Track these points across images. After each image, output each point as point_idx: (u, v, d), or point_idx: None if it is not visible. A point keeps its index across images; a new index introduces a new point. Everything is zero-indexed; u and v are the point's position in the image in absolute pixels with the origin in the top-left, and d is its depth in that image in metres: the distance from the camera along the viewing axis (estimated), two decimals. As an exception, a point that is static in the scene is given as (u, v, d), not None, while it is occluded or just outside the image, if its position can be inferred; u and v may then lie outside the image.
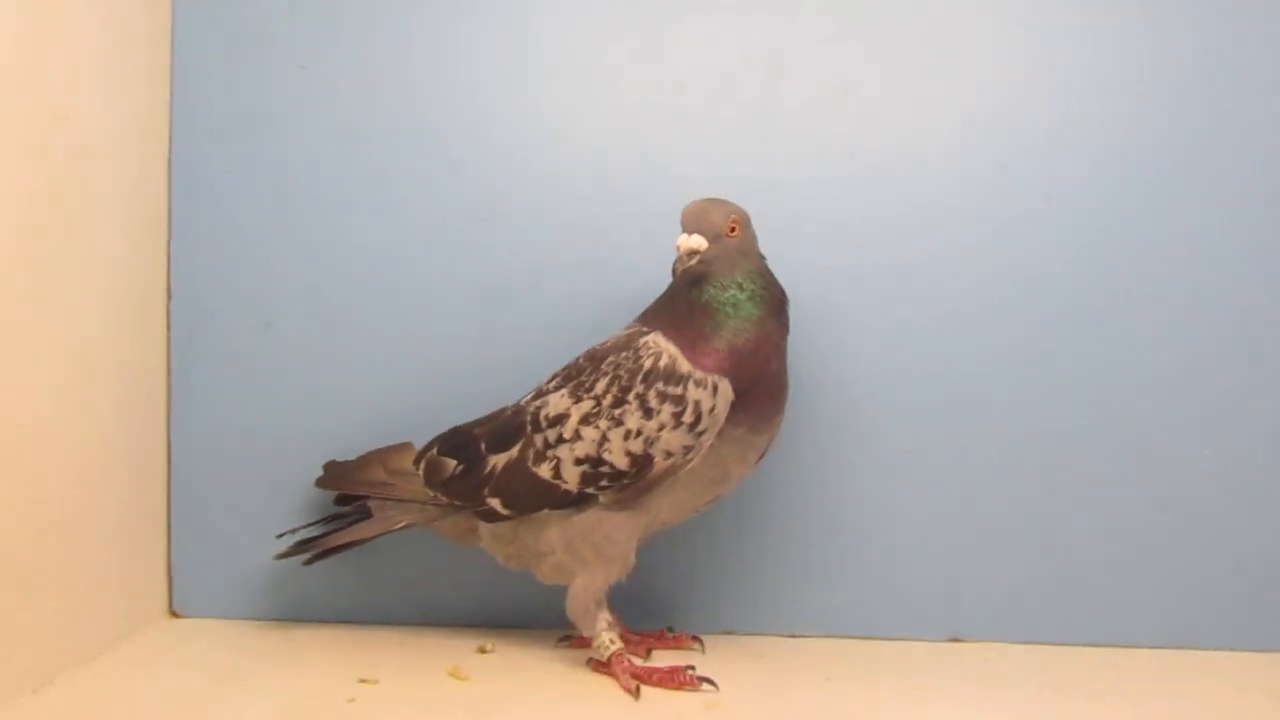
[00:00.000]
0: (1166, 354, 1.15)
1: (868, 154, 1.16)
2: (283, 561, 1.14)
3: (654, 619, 1.15)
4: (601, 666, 1.03)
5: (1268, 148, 1.14)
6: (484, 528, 1.06)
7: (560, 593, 1.04)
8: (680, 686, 0.99)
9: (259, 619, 1.18)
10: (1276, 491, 1.14)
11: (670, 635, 1.12)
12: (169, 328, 1.19)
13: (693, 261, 0.97)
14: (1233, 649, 1.13)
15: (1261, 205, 1.14)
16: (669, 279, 1.02)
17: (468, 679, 1.02)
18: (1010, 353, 1.15)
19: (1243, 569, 1.15)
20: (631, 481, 0.98)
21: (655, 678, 1.00)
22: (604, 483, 0.98)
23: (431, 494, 1.05)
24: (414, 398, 1.17)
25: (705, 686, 0.99)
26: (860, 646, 1.14)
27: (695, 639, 1.11)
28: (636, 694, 0.98)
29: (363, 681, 1.00)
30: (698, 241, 0.97)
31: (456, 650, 1.09)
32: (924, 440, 1.16)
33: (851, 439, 1.16)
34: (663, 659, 1.05)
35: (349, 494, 1.13)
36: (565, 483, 0.99)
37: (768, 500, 1.17)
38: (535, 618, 1.15)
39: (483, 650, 1.10)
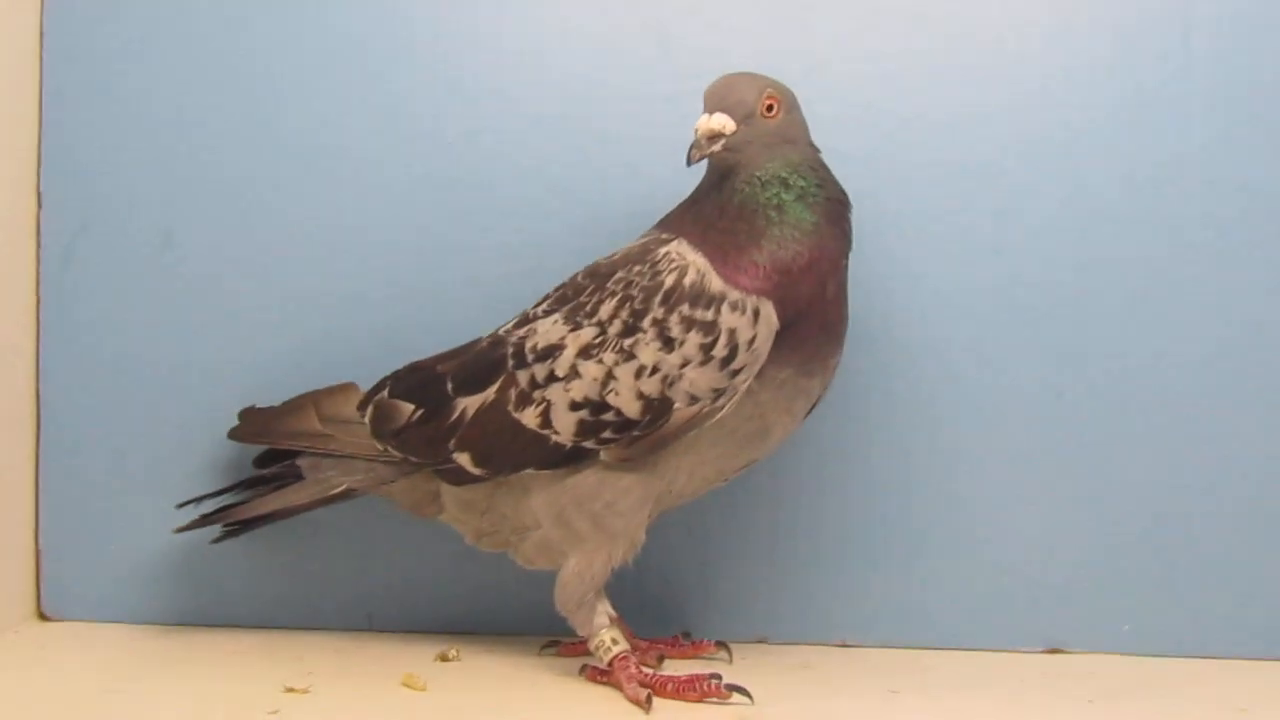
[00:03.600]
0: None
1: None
2: (183, 553, 1.16)
3: (666, 625, 1.16)
4: (601, 675, 1.03)
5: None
6: (449, 493, 1.06)
7: (547, 585, 1.04)
8: (704, 697, 0.98)
9: (153, 623, 1.19)
10: None
11: (687, 642, 1.13)
12: (39, 245, 1.20)
13: (715, 147, 0.96)
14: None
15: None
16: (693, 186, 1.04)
17: (424, 689, 1.02)
18: (1115, 303, 1.17)
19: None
20: (643, 433, 0.97)
21: (671, 686, 0.99)
22: (607, 434, 0.98)
23: (381, 448, 1.05)
24: (360, 328, 1.18)
25: (736, 697, 0.98)
26: (935, 658, 1.15)
27: (721, 645, 1.12)
28: (647, 705, 0.97)
29: (290, 690, 1.00)
30: (721, 122, 0.97)
31: (411, 657, 1.10)
32: (1011, 406, 1.17)
33: (921, 398, 1.17)
34: (677, 670, 1.05)
35: (273, 450, 1.13)
36: (557, 433, 0.99)
37: (815, 474, 1.17)
38: (513, 621, 1.17)
39: (444, 658, 1.10)
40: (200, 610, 1.20)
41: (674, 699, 0.99)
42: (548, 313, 1.03)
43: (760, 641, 1.18)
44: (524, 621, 1.15)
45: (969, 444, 1.17)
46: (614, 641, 1.02)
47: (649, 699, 0.98)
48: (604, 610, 1.03)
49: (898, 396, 1.17)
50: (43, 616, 1.20)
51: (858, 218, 1.03)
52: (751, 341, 0.96)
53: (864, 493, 1.18)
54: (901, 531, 1.18)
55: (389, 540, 1.18)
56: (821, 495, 1.18)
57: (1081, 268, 1.17)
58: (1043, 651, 1.17)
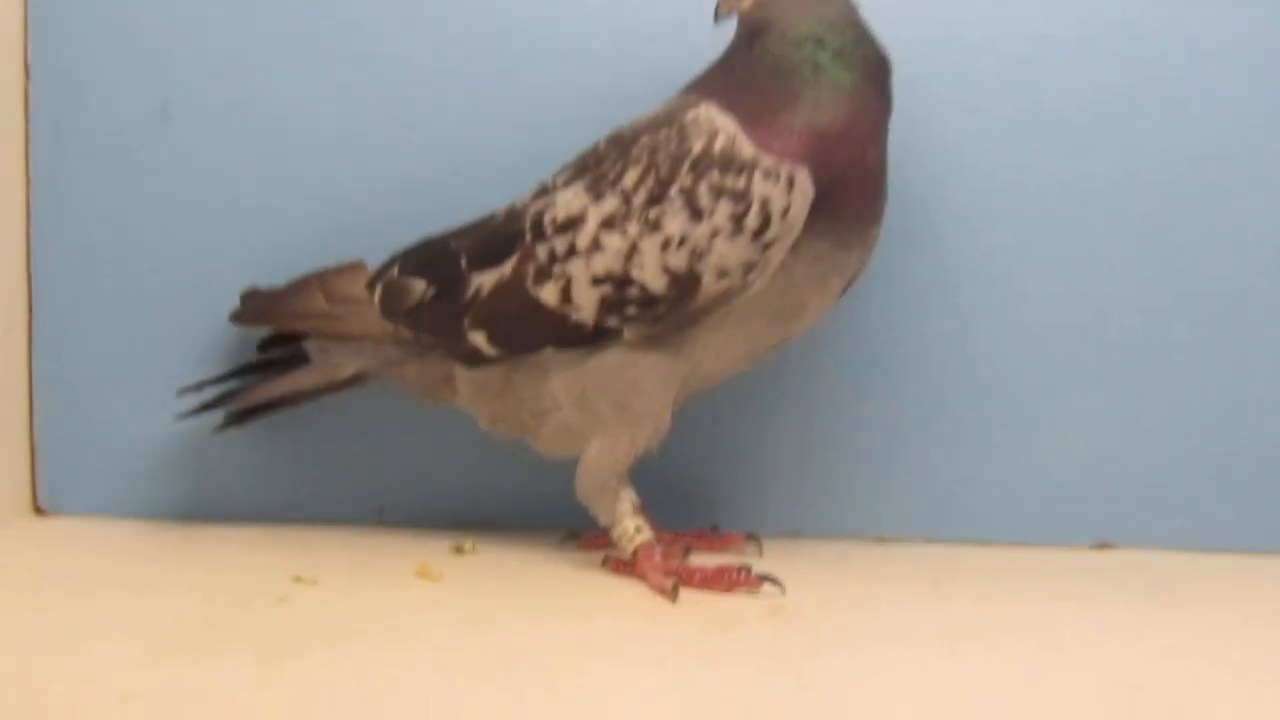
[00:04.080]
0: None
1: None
2: (185, 444, 1.18)
3: (692, 519, 1.15)
4: (624, 566, 1.02)
5: None
6: (463, 376, 1.05)
7: (566, 476, 1.03)
8: (732, 588, 0.98)
9: (153, 517, 1.20)
10: None
11: (715, 535, 1.12)
12: (27, 118, 1.18)
13: (743, 3, 0.95)
14: None
15: None
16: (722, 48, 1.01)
17: (440, 578, 1.01)
18: (1182, 165, 1.15)
19: None
20: (669, 310, 0.96)
21: (698, 577, 0.99)
22: (631, 311, 0.97)
23: (391, 328, 1.05)
24: (368, 203, 1.17)
25: (768, 587, 0.98)
26: (978, 553, 1.15)
27: (750, 537, 1.12)
28: (673, 595, 0.96)
29: (298, 580, 1.00)
30: None
31: (425, 550, 1.09)
32: (1059, 292, 1.16)
33: (962, 277, 1.17)
34: (705, 563, 1.04)
35: (277, 334, 1.14)
36: (578, 310, 0.98)
37: (852, 359, 1.17)
38: (531, 513, 1.17)
39: (459, 550, 1.10)
40: (203, 504, 1.20)
41: (701, 589, 0.98)
42: (568, 183, 1.01)
43: (793, 534, 1.18)
44: (543, 514, 1.15)
45: (1016, 331, 1.17)
46: (638, 530, 1.02)
47: (675, 588, 0.97)
48: (628, 497, 1.03)
49: (941, 280, 1.16)
50: (38, 510, 1.20)
51: (898, 87, 1.01)
52: (785, 211, 0.94)
53: (905, 378, 1.17)
54: (943, 420, 1.17)
55: (401, 429, 1.18)
56: (859, 381, 1.17)
57: (1131, 152, 1.15)
58: (1092, 547, 1.17)
